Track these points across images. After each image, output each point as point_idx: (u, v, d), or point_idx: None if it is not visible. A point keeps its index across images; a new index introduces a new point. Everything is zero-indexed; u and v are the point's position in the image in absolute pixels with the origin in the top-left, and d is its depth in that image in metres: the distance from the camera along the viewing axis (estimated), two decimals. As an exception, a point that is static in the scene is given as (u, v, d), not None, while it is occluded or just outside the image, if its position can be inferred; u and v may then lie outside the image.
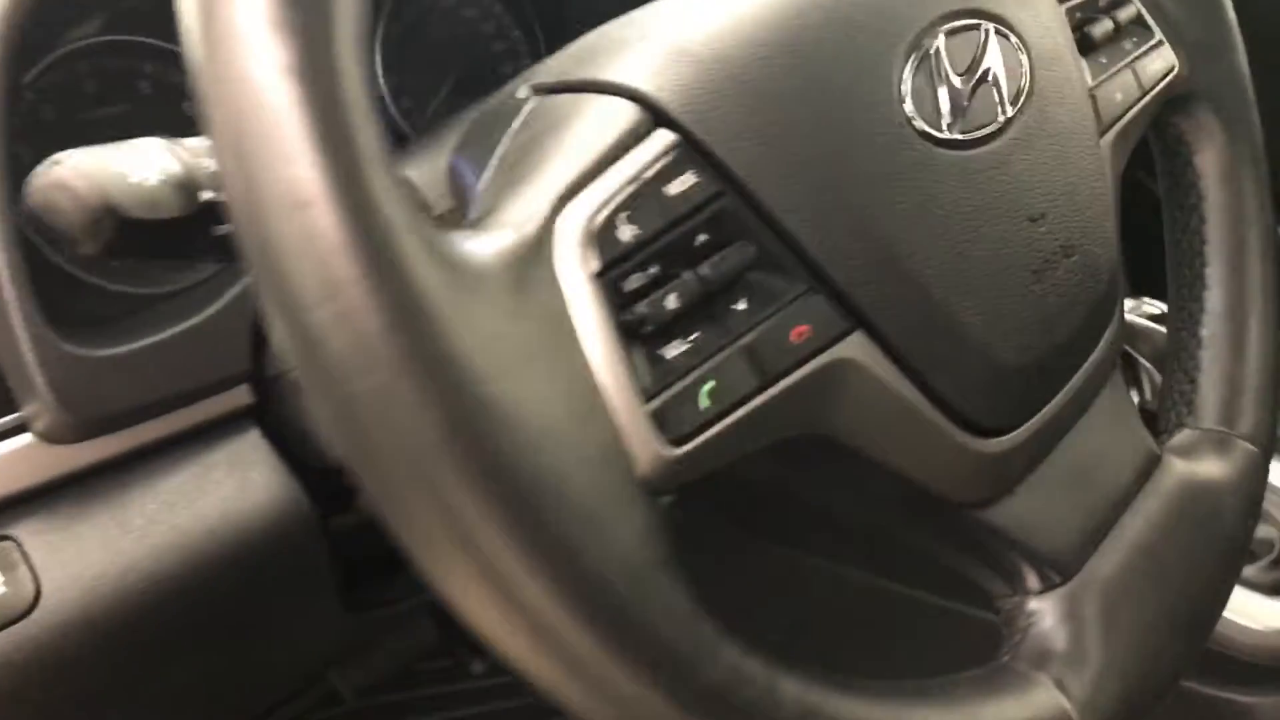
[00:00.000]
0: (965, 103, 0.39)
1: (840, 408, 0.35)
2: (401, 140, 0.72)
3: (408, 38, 0.76)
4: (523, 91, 0.38)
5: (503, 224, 0.30)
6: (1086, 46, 0.47)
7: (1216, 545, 0.44)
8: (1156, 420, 0.51)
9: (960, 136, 0.38)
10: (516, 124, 0.36)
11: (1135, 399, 0.98)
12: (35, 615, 0.50)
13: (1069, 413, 0.42)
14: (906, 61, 0.37)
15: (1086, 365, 0.42)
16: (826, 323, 0.34)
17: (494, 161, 0.35)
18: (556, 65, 0.37)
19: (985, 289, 0.38)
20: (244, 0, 0.24)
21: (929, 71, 0.38)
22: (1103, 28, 0.47)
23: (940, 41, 0.39)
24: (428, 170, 0.45)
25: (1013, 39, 0.41)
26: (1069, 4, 0.47)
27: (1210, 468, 0.46)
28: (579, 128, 0.33)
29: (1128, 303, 0.94)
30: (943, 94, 0.38)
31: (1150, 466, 0.45)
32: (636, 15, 0.37)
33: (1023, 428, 0.39)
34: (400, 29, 0.76)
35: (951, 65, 0.39)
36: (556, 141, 0.33)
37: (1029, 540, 0.40)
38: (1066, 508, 0.42)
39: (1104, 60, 0.48)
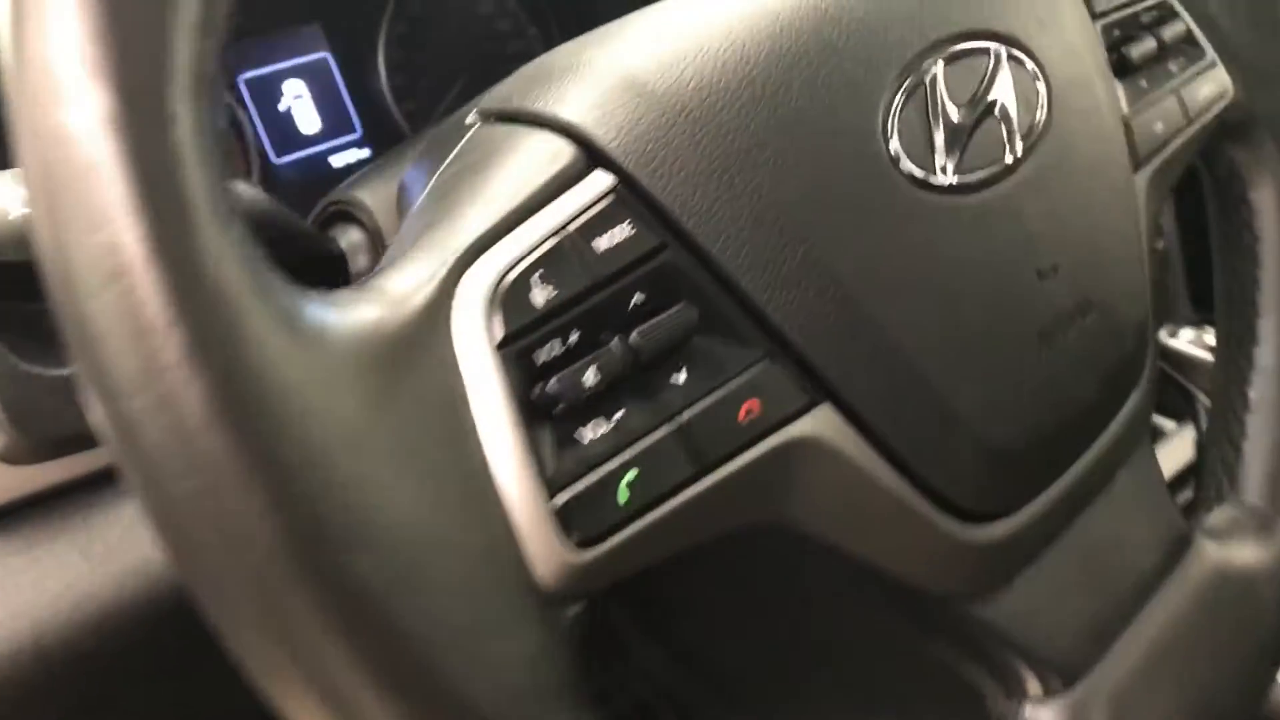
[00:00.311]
0: (965, 140, 0.33)
1: (800, 493, 0.30)
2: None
3: (415, 34, 0.73)
4: (471, 116, 0.34)
5: (397, 284, 0.26)
6: (1124, 69, 0.41)
7: (1251, 646, 0.39)
8: (1197, 484, 0.46)
9: (957, 180, 0.33)
10: (454, 153, 0.32)
11: (1192, 437, 0.91)
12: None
13: (1080, 494, 0.36)
14: (895, 94, 0.32)
15: (1104, 439, 0.37)
16: (784, 396, 0.29)
17: (422, 197, 0.31)
18: (506, 88, 0.33)
19: (980, 356, 0.33)
20: (59, 41, 0.21)
21: (922, 105, 0.33)
22: (1144, 47, 0.41)
23: (938, 69, 0.33)
24: (382, 192, 0.42)
25: (1029, 64, 0.36)
26: (1105, 20, 0.41)
27: (1249, 553, 0.40)
28: (508, 166, 0.29)
29: (1186, 332, 0.87)
30: (938, 131, 0.33)
31: (1178, 551, 0.40)
32: (594, 36, 0.33)
33: (1021, 513, 0.34)
34: (406, 26, 0.73)
35: (950, 97, 0.33)
36: (481, 181, 0.29)
37: (1027, 639, 0.35)
38: (1074, 601, 0.37)
39: (1144, 84, 0.42)
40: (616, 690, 0.77)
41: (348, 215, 0.42)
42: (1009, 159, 0.34)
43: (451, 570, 0.24)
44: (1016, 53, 0.35)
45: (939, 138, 0.33)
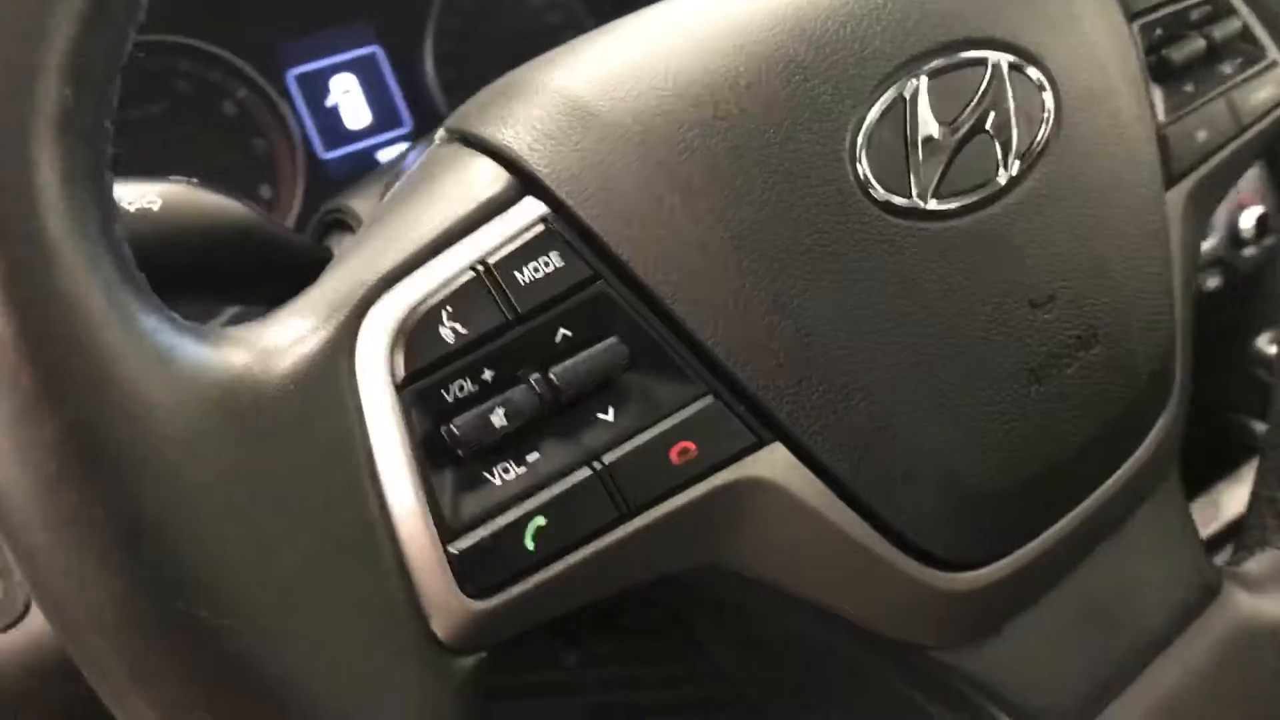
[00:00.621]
0: (947, 161, 0.30)
1: (747, 537, 0.29)
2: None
3: (466, 27, 0.73)
4: (440, 131, 0.33)
5: (296, 321, 0.25)
6: (1164, 72, 0.37)
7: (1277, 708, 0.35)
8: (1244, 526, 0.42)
9: (935, 205, 0.30)
10: (411, 170, 0.31)
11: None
12: (26, 621, 0.51)
13: (1086, 538, 0.34)
14: (867, 113, 0.30)
15: (1115, 480, 0.34)
16: (727, 436, 0.28)
17: (369, 218, 0.31)
18: (469, 105, 0.32)
19: (957, 394, 0.30)
20: None
21: (899, 124, 0.30)
22: (1189, 48, 0.38)
23: (920, 84, 0.30)
24: (375, 200, 0.41)
25: (1033, 74, 0.33)
26: (1145, 19, 0.38)
27: None
28: (441, 191, 0.28)
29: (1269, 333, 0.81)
30: (914, 152, 0.30)
31: (1204, 600, 0.36)
32: (554, 53, 0.31)
33: (1008, 559, 0.32)
34: (459, 20, 0.73)
35: (935, 113, 0.31)
36: (411, 206, 0.27)
37: (1014, 692, 0.33)
38: (1072, 653, 0.34)
39: (1189, 88, 0.38)
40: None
41: (343, 223, 0.42)
42: (1002, 180, 0.31)
43: (335, 621, 0.23)
44: (1020, 62, 0.32)
45: (915, 159, 0.30)
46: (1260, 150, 0.41)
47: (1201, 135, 0.38)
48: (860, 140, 0.29)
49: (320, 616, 0.23)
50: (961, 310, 0.30)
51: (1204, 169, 0.38)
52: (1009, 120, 0.32)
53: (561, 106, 0.28)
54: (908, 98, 0.30)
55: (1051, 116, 0.33)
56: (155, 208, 0.34)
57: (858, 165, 0.29)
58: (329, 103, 0.68)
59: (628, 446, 0.26)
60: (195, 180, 0.36)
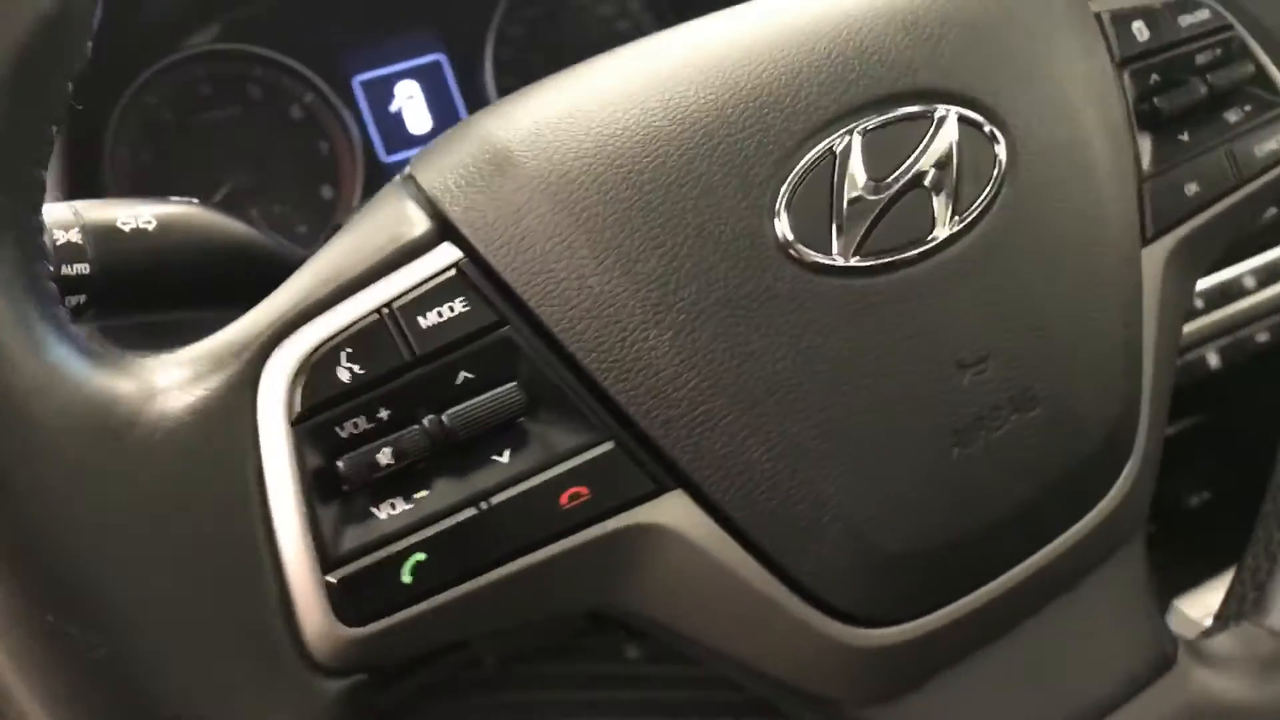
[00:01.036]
0: (875, 217, 0.30)
1: (642, 582, 0.29)
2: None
3: (531, 36, 0.74)
4: (409, 166, 0.34)
5: (216, 349, 0.26)
6: (1156, 121, 0.36)
7: None
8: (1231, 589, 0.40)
9: (858, 262, 0.30)
10: (362, 208, 0.33)
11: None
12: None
13: (1023, 600, 0.33)
14: (794, 165, 0.30)
15: (1053, 547, 0.32)
16: (624, 482, 0.28)
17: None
18: (430, 144, 0.33)
19: (870, 453, 0.29)
20: None
21: (826, 178, 0.30)
22: (1183, 96, 0.36)
23: (853, 138, 0.30)
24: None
25: (986, 127, 0.32)
26: (1137, 65, 0.36)
27: (1242, 689, 0.35)
28: (372, 230, 0.28)
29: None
30: (839, 207, 0.30)
31: (1155, 673, 0.35)
32: (495, 104, 0.31)
33: (927, 618, 0.31)
34: (522, 27, 0.74)
35: (868, 168, 0.30)
36: (343, 244, 0.28)
37: None
38: (1003, 713, 0.33)
39: (1184, 137, 0.36)
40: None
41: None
42: (937, 237, 0.31)
43: (206, 640, 0.25)
44: (972, 115, 0.32)
45: (840, 215, 0.30)
46: (1266, 202, 0.38)
47: (1192, 188, 0.36)
48: (782, 194, 0.29)
49: (191, 637, 0.25)
50: (880, 368, 0.30)
51: (1193, 224, 0.36)
52: (950, 174, 0.31)
53: (487, 154, 0.29)
54: (838, 152, 0.30)
55: (1003, 171, 0.32)
56: (151, 228, 0.36)
57: (776, 220, 0.29)
58: (393, 108, 0.71)
59: (518, 489, 0.27)
60: (195, 201, 0.39)
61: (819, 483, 0.29)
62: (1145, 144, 0.36)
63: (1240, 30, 0.38)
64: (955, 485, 0.31)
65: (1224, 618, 0.38)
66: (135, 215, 0.36)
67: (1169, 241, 0.35)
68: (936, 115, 0.31)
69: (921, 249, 0.30)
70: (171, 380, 0.26)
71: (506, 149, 0.29)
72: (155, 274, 0.36)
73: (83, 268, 0.33)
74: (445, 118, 0.72)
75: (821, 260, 0.30)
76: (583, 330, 0.28)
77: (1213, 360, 0.77)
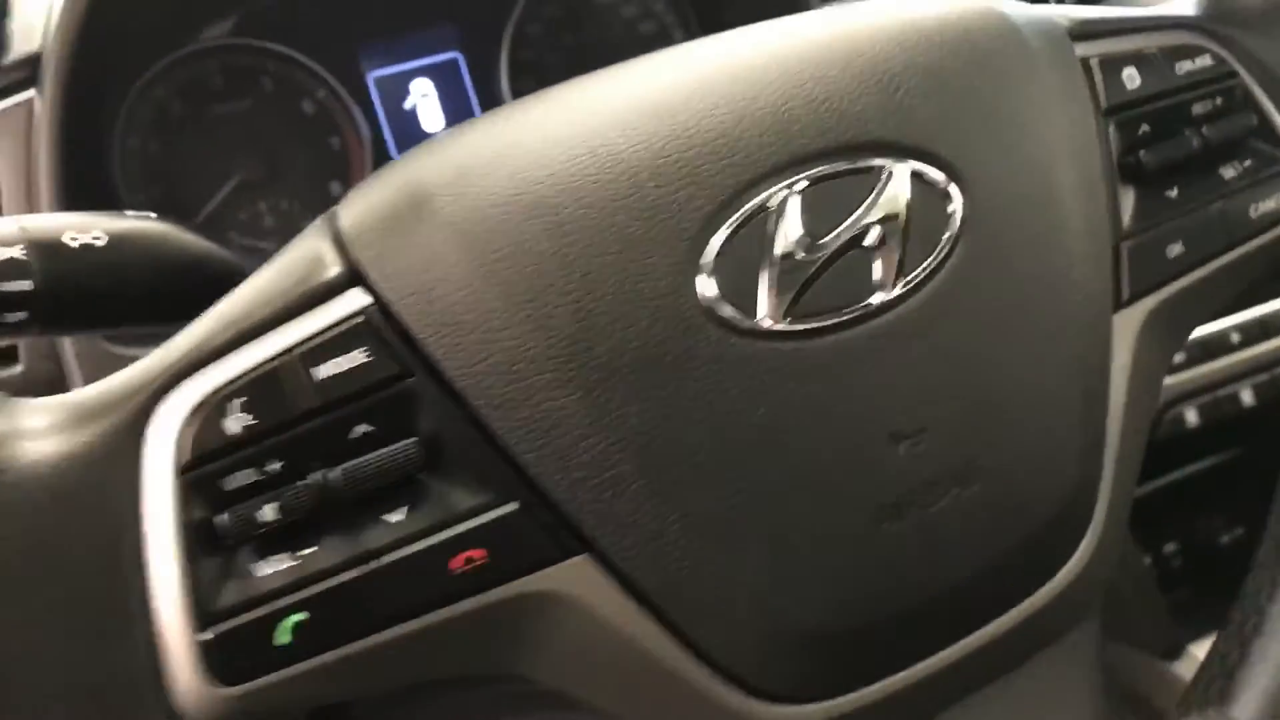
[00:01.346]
0: (806, 279, 0.28)
1: (542, 649, 0.28)
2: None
3: (550, 36, 0.73)
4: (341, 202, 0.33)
5: (105, 393, 0.26)
6: (1141, 175, 0.33)
7: None
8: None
9: (787, 326, 0.28)
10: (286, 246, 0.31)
11: None
12: None
13: (954, 681, 0.31)
14: (724, 221, 0.28)
15: (986, 631, 0.30)
16: (526, 546, 0.27)
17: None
18: (370, 178, 0.32)
19: (788, 525, 0.28)
20: None
21: (758, 235, 0.28)
22: (1171, 150, 0.33)
23: (790, 195, 0.28)
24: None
25: (941, 183, 0.30)
26: (1126, 114, 0.34)
27: None
28: (285, 271, 0.27)
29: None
30: (769, 267, 0.28)
31: None
32: (424, 143, 0.30)
33: (845, 699, 0.29)
34: (541, 27, 0.73)
35: (805, 225, 0.28)
36: (255, 284, 0.27)
37: None
38: None
39: (1173, 193, 0.34)
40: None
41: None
42: (876, 300, 0.29)
43: (73, 703, 0.24)
44: (927, 169, 0.30)
45: (770, 275, 0.28)
46: (1269, 264, 0.36)
47: (1175, 249, 0.33)
48: (709, 251, 0.28)
49: (53, 699, 0.24)
50: (804, 437, 0.28)
51: (1175, 287, 0.33)
52: (897, 235, 0.29)
53: (407, 196, 0.28)
54: (773, 207, 0.28)
55: (957, 230, 0.30)
56: (100, 244, 0.36)
57: (699, 278, 0.28)
58: (407, 105, 0.70)
59: (411, 549, 0.26)
60: (153, 215, 0.38)
61: (733, 554, 0.28)
62: (1128, 200, 0.33)
63: (1246, 78, 0.36)
64: (879, 563, 0.29)
65: (1188, 704, 0.36)
66: (85, 230, 0.35)
67: (1148, 304, 0.33)
68: (886, 170, 0.29)
69: (857, 313, 0.29)
70: (44, 424, 0.25)
71: (427, 191, 0.28)
72: (104, 290, 0.36)
73: (25, 284, 0.33)
74: (459, 117, 0.71)
75: (746, 323, 0.28)
76: (489, 387, 0.27)
77: (1246, 398, 0.74)
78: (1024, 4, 0.34)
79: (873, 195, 0.29)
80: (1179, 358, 0.73)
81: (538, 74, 0.73)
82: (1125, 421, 0.32)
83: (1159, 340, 0.34)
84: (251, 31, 0.67)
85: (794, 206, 0.28)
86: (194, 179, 0.66)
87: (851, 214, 0.29)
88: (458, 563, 0.26)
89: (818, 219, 0.29)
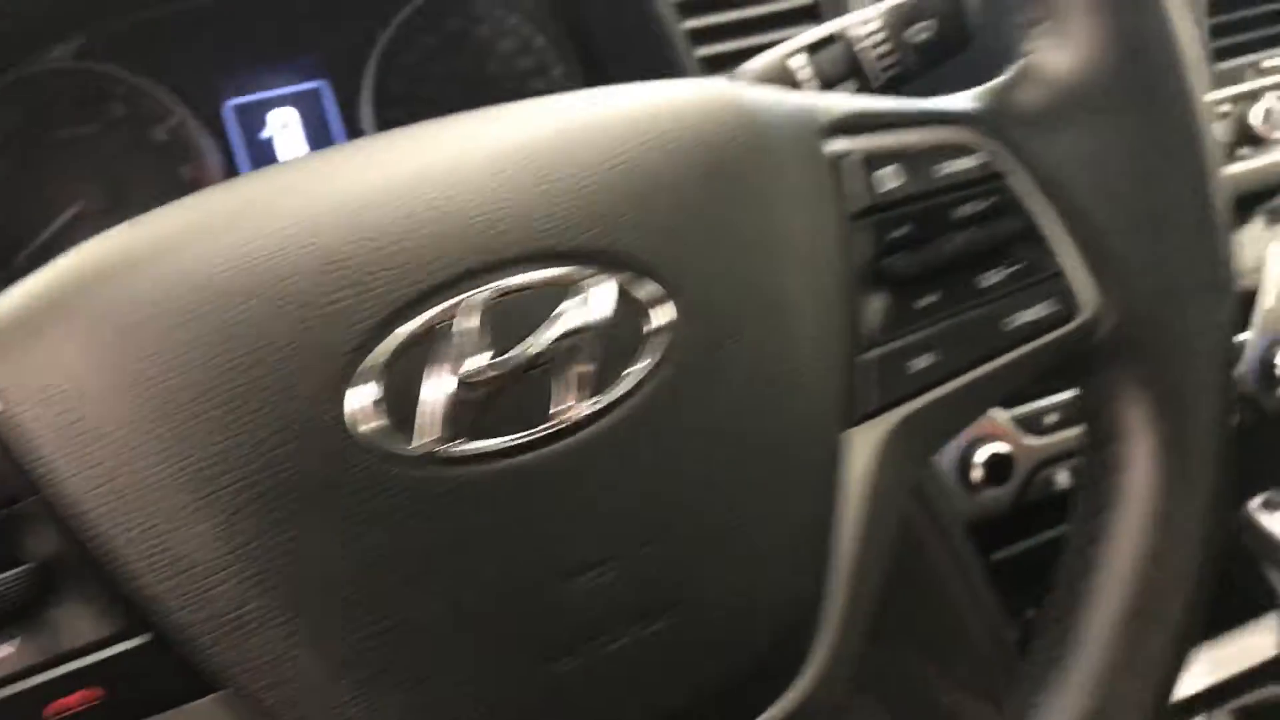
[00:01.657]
0: (477, 400, 0.26)
1: None
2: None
3: (421, 67, 0.71)
4: None
5: None
6: (891, 281, 0.32)
7: None
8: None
9: (449, 451, 0.26)
10: None
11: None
12: None
13: None
14: (381, 339, 0.26)
15: None
16: (152, 683, 0.25)
17: None
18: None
19: (441, 664, 0.26)
20: None
21: (429, 351, 0.26)
22: (931, 254, 0.32)
23: (461, 311, 0.26)
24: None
25: (646, 295, 0.27)
26: (877, 216, 0.32)
27: None
28: None
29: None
30: (431, 391, 0.26)
31: None
32: (113, 230, 0.27)
33: None
34: (414, 57, 0.71)
35: (485, 340, 0.26)
36: None
37: None
38: None
39: (925, 301, 0.32)
40: None
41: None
42: (562, 422, 0.27)
43: None
44: (629, 281, 0.28)
45: (437, 395, 0.26)
46: (1029, 376, 0.34)
47: (923, 361, 0.32)
48: (364, 371, 0.26)
49: None
50: (463, 572, 0.26)
51: (924, 399, 0.32)
52: (587, 352, 0.27)
53: (50, 293, 0.25)
54: (440, 325, 0.26)
55: (666, 345, 0.28)
56: None
57: (349, 400, 0.25)
58: (264, 135, 0.68)
59: (13, 688, 0.24)
60: None
61: (381, 694, 0.26)
62: (876, 308, 0.32)
63: (1021, 179, 0.34)
64: (542, 706, 0.27)
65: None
66: None
67: (893, 418, 0.32)
68: (585, 282, 0.27)
69: (536, 435, 0.27)
70: None
71: (71, 289, 0.25)
72: None
73: None
74: (323, 147, 0.69)
75: (403, 448, 0.26)
76: (112, 513, 0.24)
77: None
78: (780, 94, 0.33)
79: (563, 309, 0.27)
80: (1051, 418, 0.72)
81: (408, 105, 0.71)
82: (862, 537, 0.31)
83: (905, 455, 0.32)
84: (106, 53, 0.64)
85: (468, 323, 0.26)
86: (33, 203, 0.64)
87: (534, 331, 0.27)
88: (75, 701, 0.24)
89: (501, 334, 0.27)
